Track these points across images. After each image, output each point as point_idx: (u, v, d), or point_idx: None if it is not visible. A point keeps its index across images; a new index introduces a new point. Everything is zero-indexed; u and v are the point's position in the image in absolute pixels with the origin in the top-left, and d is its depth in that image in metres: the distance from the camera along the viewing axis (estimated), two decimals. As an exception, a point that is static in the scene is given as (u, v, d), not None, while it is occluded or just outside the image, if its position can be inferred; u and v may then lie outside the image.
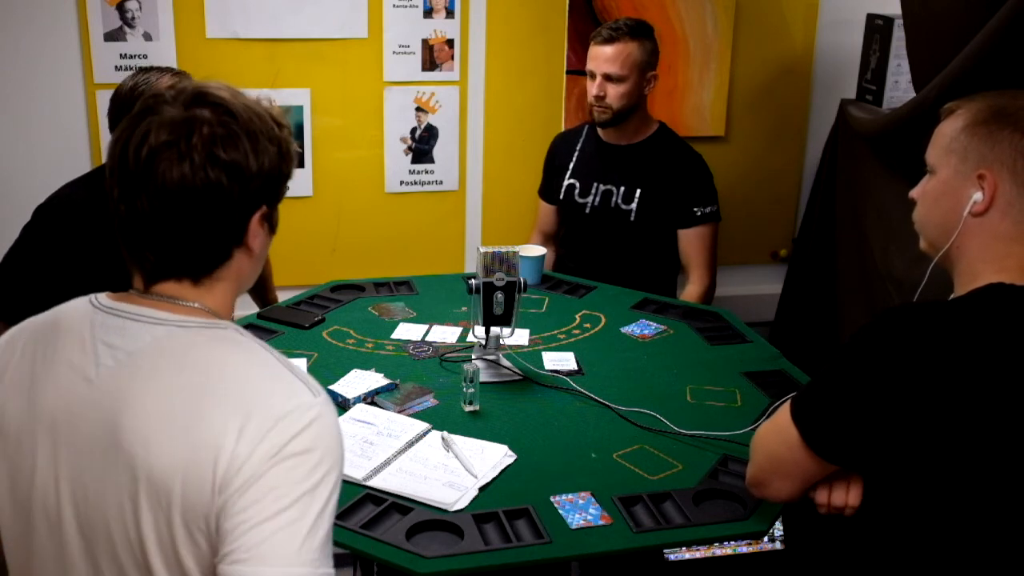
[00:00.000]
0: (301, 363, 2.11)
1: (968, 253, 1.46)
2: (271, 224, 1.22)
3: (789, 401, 1.49)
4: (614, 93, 2.74)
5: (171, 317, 1.15)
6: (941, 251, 1.49)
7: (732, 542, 2.35)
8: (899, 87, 2.89)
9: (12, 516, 1.19)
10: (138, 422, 1.09)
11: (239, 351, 1.15)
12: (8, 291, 2.19)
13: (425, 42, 3.10)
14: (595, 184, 2.87)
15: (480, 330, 2.10)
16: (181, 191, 1.10)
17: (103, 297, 1.20)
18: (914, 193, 1.56)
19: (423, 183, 3.23)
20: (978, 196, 1.43)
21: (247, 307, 2.77)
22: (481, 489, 1.66)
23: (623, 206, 2.82)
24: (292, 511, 1.04)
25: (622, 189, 2.83)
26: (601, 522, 1.58)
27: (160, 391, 1.09)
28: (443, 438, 1.81)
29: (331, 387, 1.98)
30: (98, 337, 1.15)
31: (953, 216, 1.46)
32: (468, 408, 1.94)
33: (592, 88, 2.76)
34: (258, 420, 1.06)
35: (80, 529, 1.13)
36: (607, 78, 2.72)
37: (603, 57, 2.72)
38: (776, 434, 1.49)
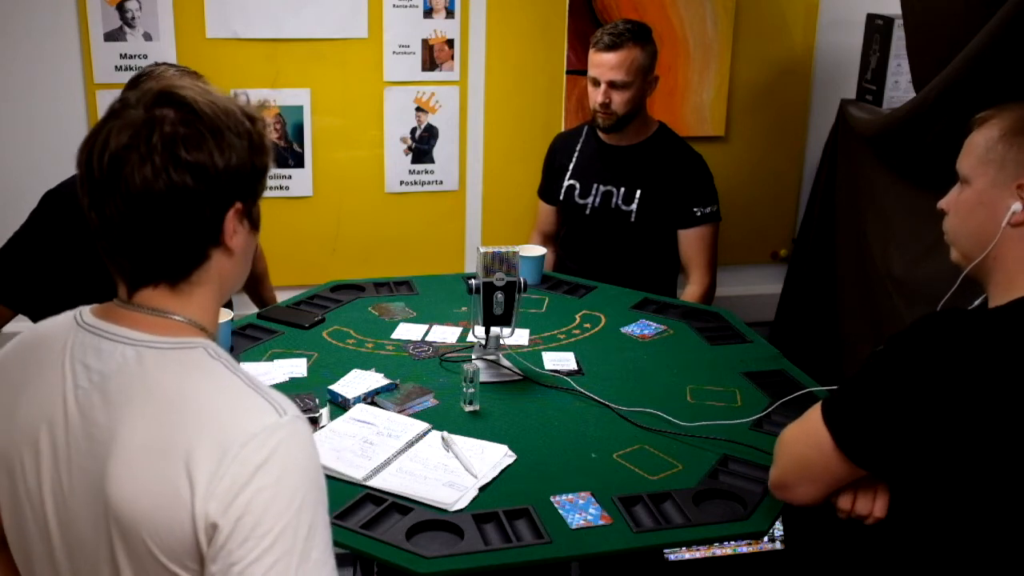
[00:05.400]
0: (301, 363, 2.11)
1: (1005, 264, 1.44)
2: (251, 221, 1.19)
3: (819, 404, 1.48)
4: (620, 100, 2.73)
5: (144, 337, 1.12)
6: (975, 262, 1.47)
7: (732, 542, 2.35)
8: (899, 87, 2.89)
9: (12, 530, 1.19)
10: (108, 455, 1.07)
11: (204, 377, 1.11)
12: (9, 275, 2.18)
13: (425, 42, 3.10)
14: (595, 185, 2.86)
15: (480, 330, 2.10)
16: (146, 195, 1.08)
17: (87, 312, 1.18)
18: (944, 204, 1.53)
19: (423, 183, 3.23)
20: (1017, 207, 1.41)
21: (247, 307, 2.78)
22: (481, 489, 1.66)
23: (623, 207, 2.82)
24: (279, 546, 1.02)
25: (622, 190, 2.83)
26: (601, 522, 1.58)
27: (129, 423, 1.07)
28: (443, 438, 1.81)
29: (331, 387, 1.98)
30: (76, 357, 1.13)
31: (990, 227, 1.44)
32: (468, 408, 1.94)
33: (597, 96, 2.74)
34: (221, 451, 1.03)
35: (65, 544, 1.13)
36: (612, 85, 2.71)
37: (607, 64, 2.70)
38: (805, 437, 1.48)
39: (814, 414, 1.47)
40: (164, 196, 1.08)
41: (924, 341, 1.37)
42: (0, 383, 1.19)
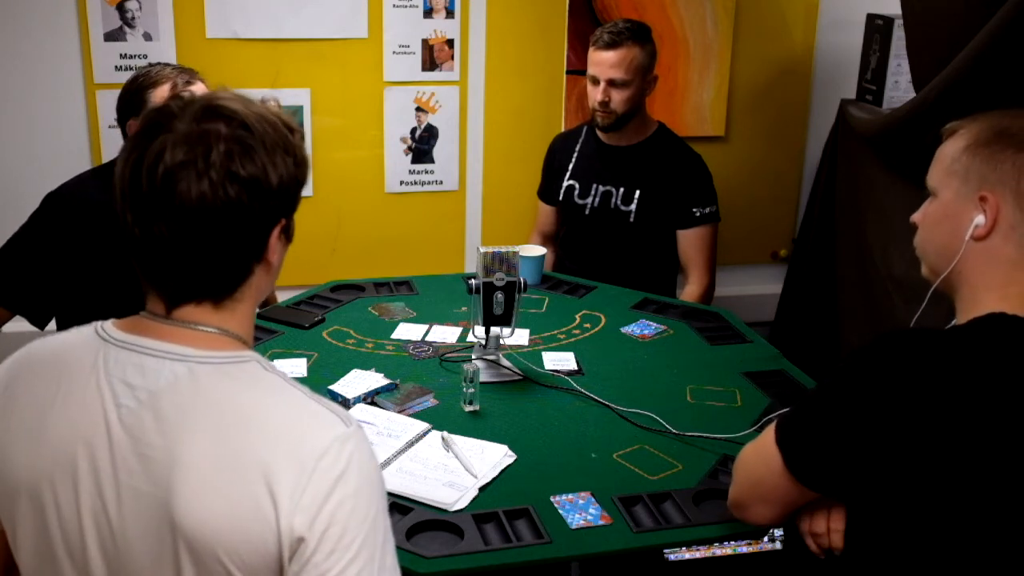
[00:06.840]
0: (301, 363, 2.11)
1: (969, 279, 1.40)
2: (288, 235, 1.18)
3: (774, 423, 1.45)
4: (619, 98, 2.73)
5: (191, 352, 1.10)
6: (941, 276, 1.43)
7: (732, 542, 2.35)
8: (899, 87, 2.90)
9: (35, 563, 1.14)
10: (171, 475, 1.04)
11: (265, 390, 1.10)
12: (8, 276, 2.18)
13: (425, 42, 3.10)
14: (595, 185, 2.87)
15: (480, 330, 2.10)
16: (201, 211, 1.06)
17: (111, 328, 1.14)
18: (915, 217, 1.50)
19: (423, 183, 3.23)
20: (980, 219, 1.37)
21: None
22: (481, 489, 1.66)
23: (623, 207, 2.82)
24: (363, 554, 1.04)
25: (621, 190, 2.83)
26: (601, 522, 1.58)
27: (191, 441, 1.05)
28: (443, 438, 1.81)
29: (331, 387, 1.98)
30: (114, 374, 1.09)
31: (954, 240, 1.40)
32: (468, 408, 1.94)
33: (596, 94, 2.75)
34: (299, 464, 1.03)
35: (108, 569, 1.09)
36: (611, 83, 2.72)
37: (607, 63, 2.71)
38: (759, 457, 1.46)
39: (769, 434, 1.44)
40: (219, 212, 1.06)
41: (878, 361, 1.33)
42: (17, 403, 1.13)
